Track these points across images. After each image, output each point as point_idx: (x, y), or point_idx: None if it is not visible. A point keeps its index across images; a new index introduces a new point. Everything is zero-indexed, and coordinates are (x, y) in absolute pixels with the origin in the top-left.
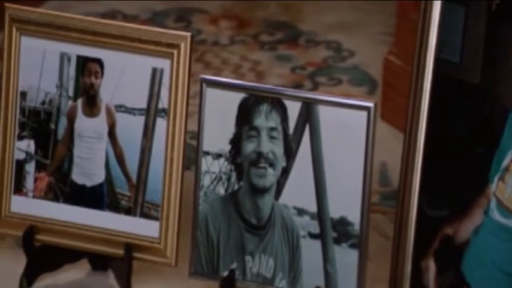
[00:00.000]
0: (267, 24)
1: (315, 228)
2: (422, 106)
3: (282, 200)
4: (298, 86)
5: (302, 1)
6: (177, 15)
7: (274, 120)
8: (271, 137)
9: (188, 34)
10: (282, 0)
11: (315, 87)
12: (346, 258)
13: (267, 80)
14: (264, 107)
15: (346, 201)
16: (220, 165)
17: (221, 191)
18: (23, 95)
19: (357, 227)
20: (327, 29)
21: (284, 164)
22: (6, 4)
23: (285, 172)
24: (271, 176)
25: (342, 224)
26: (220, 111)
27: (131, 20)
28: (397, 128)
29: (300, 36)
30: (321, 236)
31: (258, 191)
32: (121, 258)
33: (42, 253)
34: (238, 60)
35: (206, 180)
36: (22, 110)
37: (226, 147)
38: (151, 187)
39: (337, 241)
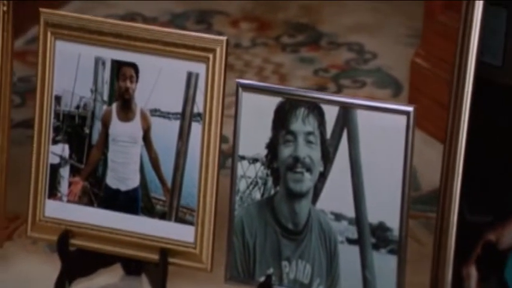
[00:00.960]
0: (287, 26)
1: (353, 233)
2: (463, 111)
3: (319, 205)
4: (322, 88)
5: (322, 3)
6: (196, 17)
7: (311, 125)
8: (308, 142)
9: (224, 38)
10: (302, 1)
11: (339, 90)
12: (385, 264)
13: (291, 83)
14: (301, 111)
15: (384, 207)
16: (257, 170)
17: (257, 195)
18: (58, 99)
19: (395, 233)
20: (347, 30)
21: (321, 168)
22: (41, 9)
23: (322, 177)
24: (308, 180)
25: (380, 229)
26: (257, 116)
27: (150, 22)
28: (425, 132)
29: (321, 38)
30: (359, 242)
31: (294, 196)
32: (155, 263)
33: (77, 258)
34: (261, 63)
35: (242, 185)
36: (56, 115)
37: (263, 152)
38: (187, 192)
39: (376, 247)
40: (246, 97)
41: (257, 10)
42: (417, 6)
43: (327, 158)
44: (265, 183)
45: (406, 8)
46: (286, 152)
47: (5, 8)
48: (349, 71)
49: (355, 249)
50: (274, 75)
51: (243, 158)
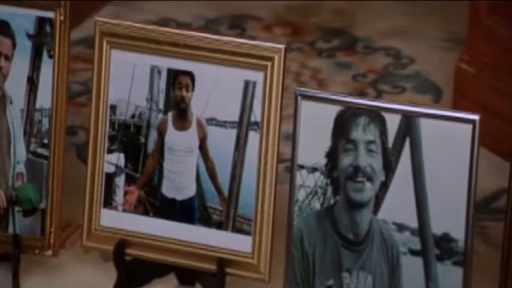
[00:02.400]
0: (321, 30)
1: (416, 244)
2: None
3: (381, 215)
4: (361, 94)
5: (354, 7)
6: (230, 22)
7: (372, 133)
8: (369, 151)
9: (282, 46)
10: (334, 5)
11: (378, 96)
12: (449, 276)
13: (330, 88)
14: (362, 120)
15: (449, 217)
16: (316, 179)
17: (316, 205)
18: (113, 108)
19: (461, 244)
20: (382, 35)
21: (383, 178)
22: (97, 18)
23: (384, 186)
24: (369, 190)
25: (445, 240)
26: (316, 125)
27: (184, 27)
28: None
29: (356, 42)
30: (422, 253)
31: (355, 206)
32: (211, 273)
33: (132, 267)
34: (298, 68)
35: (301, 195)
36: (112, 124)
37: (322, 161)
38: (244, 201)
39: (440, 258)
40: (304, 106)
41: (289, 15)
42: (452, 9)
43: (389, 167)
44: (324, 193)
45: (441, 11)
46: (346, 161)
47: (62, 18)
48: (388, 76)
49: (418, 261)
50: (312, 80)
51: (302, 167)
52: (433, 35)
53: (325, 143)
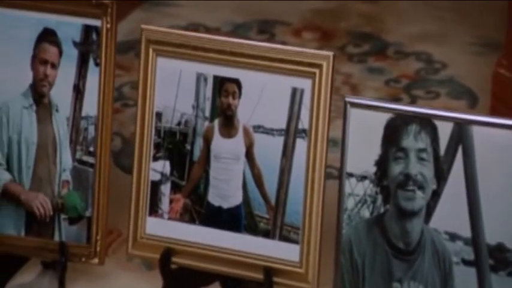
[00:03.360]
0: (351, 35)
1: (469, 254)
2: None
3: (433, 224)
4: (395, 99)
5: (383, 11)
6: (258, 27)
7: (423, 141)
8: (420, 159)
9: (331, 53)
10: (363, 10)
11: (412, 101)
12: (504, 287)
13: (363, 94)
14: (413, 128)
15: (503, 226)
16: (365, 188)
17: (366, 214)
18: (158, 115)
19: None
20: (413, 39)
21: (434, 186)
22: (143, 26)
23: (436, 195)
24: (420, 199)
25: (499, 250)
26: (365, 132)
27: (213, 32)
28: None
29: (387, 47)
30: (476, 264)
31: (406, 215)
32: (257, 282)
33: (178, 276)
34: None
35: (350, 203)
36: (157, 131)
37: (371, 169)
38: (291, 209)
39: (494, 269)
40: (354, 113)
41: (317, 19)
42: (481, 14)
43: (441, 175)
44: (374, 201)
45: (470, 16)
46: (396, 169)
47: (108, 25)
48: (421, 82)
49: (471, 271)
50: (345, 85)
51: (351, 175)
52: (464, 39)
53: (375, 150)
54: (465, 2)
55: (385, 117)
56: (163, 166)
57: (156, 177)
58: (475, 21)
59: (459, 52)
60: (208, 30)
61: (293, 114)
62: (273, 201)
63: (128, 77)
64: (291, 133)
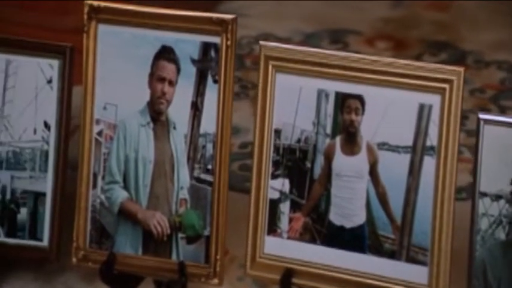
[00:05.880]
0: (425, 44)
1: None
2: None
3: None
4: (484, 110)
5: (455, 19)
6: (330, 36)
7: None
8: None
9: (462, 69)
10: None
11: (502, 112)
12: None
13: None
14: None
15: None
16: (500, 208)
17: (501, 235)
18: (277, 132)
19: None
20: (490, 48)
21: None
22: (261, 42)
23: None
24: None
25: None
26: (500, 150)
27: (284, 42)
28: None
29: (465, 56)
30: None
31: None
32: None
33: None
34: None
35: (483, 224)
36: (276, 148)
37: (507, 188)
38: (418, 229)
39: None
40: (487, 131)
41: (388, 28)
42: None
43: None
44: (510, 222)
45: None
46: None
47: (228, 43)
48: (507, 92)
49: None
50: None
51: (484, 194)
52: None
53: (511, 169)
54: None
55: None
56: (282, 184)
57: (275, 195)
58: None
59: None
60: (279, 40)
61: (420, 131)
62: (398, 220)
63: None
64: (418, 150)
